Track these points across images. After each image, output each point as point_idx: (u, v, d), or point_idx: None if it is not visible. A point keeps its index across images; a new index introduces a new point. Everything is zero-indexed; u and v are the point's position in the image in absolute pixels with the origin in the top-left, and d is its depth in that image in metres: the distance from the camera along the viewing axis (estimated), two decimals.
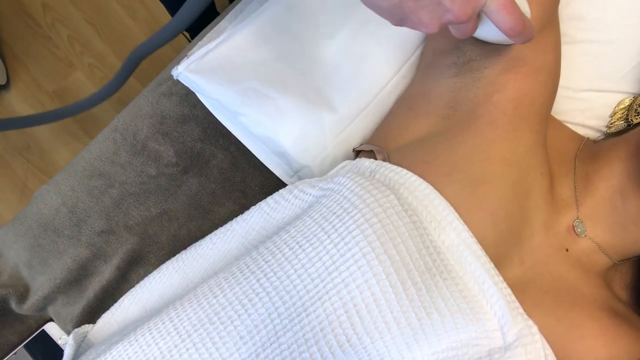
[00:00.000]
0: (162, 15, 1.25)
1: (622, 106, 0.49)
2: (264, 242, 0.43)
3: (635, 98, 0.49)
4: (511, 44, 0.43)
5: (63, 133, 1.19)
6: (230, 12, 0.55)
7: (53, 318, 0.58)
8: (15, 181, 1.17)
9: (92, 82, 1.24)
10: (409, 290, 0.35)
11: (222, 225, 0.52)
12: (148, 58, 0.68)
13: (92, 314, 0.57)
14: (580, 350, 0.39)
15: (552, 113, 0.49)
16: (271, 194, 0.48)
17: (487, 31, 0.40)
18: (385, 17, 0.36)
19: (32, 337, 0.58)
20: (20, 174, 1.18)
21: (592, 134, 0.51)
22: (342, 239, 0.37)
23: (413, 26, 0.36)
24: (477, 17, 0.37)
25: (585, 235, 0.44)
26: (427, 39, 0.51)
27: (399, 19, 0.36)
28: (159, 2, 1.01)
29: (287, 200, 0.45)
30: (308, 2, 0.52)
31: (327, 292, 0.36)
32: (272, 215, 0.46)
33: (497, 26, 0.36)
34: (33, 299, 0.56)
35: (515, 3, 0.35)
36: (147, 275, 0.55)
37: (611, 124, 0.50)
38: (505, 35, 0.38)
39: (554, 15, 0.45)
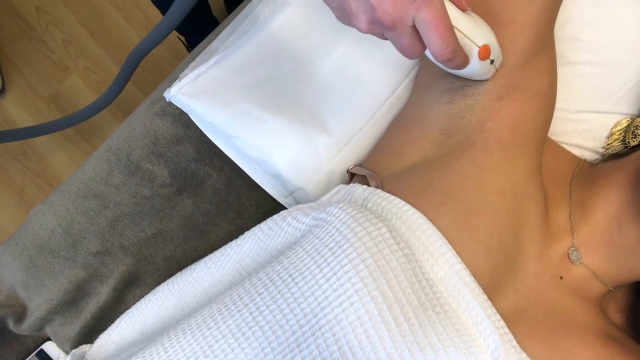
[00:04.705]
0: (157, 17, 1.24)
1: (619, 127, 0.49)
2: (257, 272, 0.43)
3: (632, 120, 0.48)
4: (485, 79, 0.42)
5: (60, 139, 1.19)
6: (222, 33, 0.54)
7: (51, 338, 0.58)
8: (13, 187, 1.17)
9: (87, 86, 1.23)
10: (402, 326, 0.35)
11: (217, 246, 0.52)
12: (144, 61, 0.68)
13: (89, 334, 0.57)
14: None
15: (549, 134, 0.48)
16: (266, 214, 0.48)
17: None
18: (334, 10, 0.37)
19: (30, 356, 0.58)
20: (17, 180, 1.18)
21: (590, 156, 0.51)
22: (334, 273, 0.37)
23: (351, 20, 0.36)
24: (416, 32, 0.34)
25: (580, 263, 0.43)
26: (422, 62, 0.50)
27: (340, 13, 0.37)
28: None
29: (280, 227, 0.45)
30: (300, 23, 0.51)
31: (320, 329, 0.36)
32: (265, 242, 0.46)
33: (426, 45, 0.34)
34: (30, 319, 0.56)
35: (447, 24, 0.33)
36: (143, 296, 0.55)
37: (608, 145, 0.49)
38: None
39: (548, 39, 0.44)
